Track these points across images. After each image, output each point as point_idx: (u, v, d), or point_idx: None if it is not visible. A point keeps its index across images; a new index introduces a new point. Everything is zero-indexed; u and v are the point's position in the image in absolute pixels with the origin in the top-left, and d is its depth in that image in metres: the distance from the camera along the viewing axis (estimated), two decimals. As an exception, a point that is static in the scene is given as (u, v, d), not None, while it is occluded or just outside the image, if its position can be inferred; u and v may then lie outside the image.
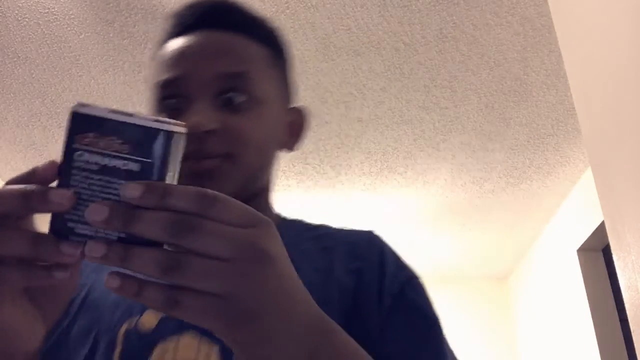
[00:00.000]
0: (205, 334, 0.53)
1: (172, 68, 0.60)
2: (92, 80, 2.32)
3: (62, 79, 2.31)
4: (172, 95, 0.60)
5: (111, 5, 1.95)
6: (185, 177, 0.57)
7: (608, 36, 1.21)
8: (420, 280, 0.64)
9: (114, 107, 0.37)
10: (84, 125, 0.35)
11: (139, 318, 0.56)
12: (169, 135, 0.35)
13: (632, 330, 1.15)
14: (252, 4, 2.09)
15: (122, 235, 0.33)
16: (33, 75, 2.30)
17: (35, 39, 2.11)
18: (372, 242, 0.66)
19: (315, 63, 2.17)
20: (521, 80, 2.26)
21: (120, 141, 0.34)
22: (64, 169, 0.34)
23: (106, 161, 0.34)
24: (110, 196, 0.34)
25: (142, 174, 0.34)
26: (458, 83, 2.28)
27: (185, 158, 0.56)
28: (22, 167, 2.95)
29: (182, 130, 0.35)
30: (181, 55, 0.61)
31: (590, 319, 2.85)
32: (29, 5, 1.97)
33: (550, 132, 2.57)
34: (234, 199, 0.35)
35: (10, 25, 2.05)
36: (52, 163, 0.35)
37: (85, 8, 1.97)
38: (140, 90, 2.36)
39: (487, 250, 3.90)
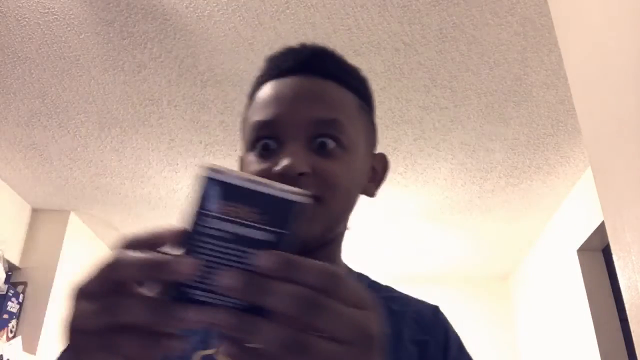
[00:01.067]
0: None
1: (268, 110, 0.63)
2: (92, 80, 2.32)
3: (62, 79, 2.31)
4: (266, 136, 0.63)
5: (111, 5, 1.95)
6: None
7: (608, 36, 1.21)
8: None
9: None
10: (216, 191, 0.34)
11: (217, 349, 0.57)
12: (302, 206, 0.34)
13: (632, 330, 1.15)
14: (252, 4, 2.09)
15: (241, 304, 0.34)
16: (33, 75, 2.30)
17: (35, 39, 2.11)
18: (438, 317, 0.68)
19: (315, 63, 2.17)
20: (521, 80, 2.26)
21: (252, 210, 0.34)
22: (191, 235, 0.34)
23: (237, 229, 0.34)
24: (237, 265, 0.34)
25: (274, 245, 0.34)
26: (458, 83, 2.28)
27: None
28: (22, 167, 2.95)
29: (309, 200, 0.36)
30: (278, 98, 0.64)
31: (590, 319, 2.85)
32: (29, 5, 1.96)
33: (550, 132, 2.57)
34: (350, 278, 0.36)
35: (10, 25, 2.05)
36: (180, 231, 0.35)
37: (85, 8, 1.97)
38: (140, 90, 2.36)
39: (488, 250, 3.90)
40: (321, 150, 0.61)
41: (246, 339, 0.33)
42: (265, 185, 0.34)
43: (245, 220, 0.34)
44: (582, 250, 3.00)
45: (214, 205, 0.34)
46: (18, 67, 2.25)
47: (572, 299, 3.09)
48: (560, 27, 1.48)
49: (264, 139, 0.63)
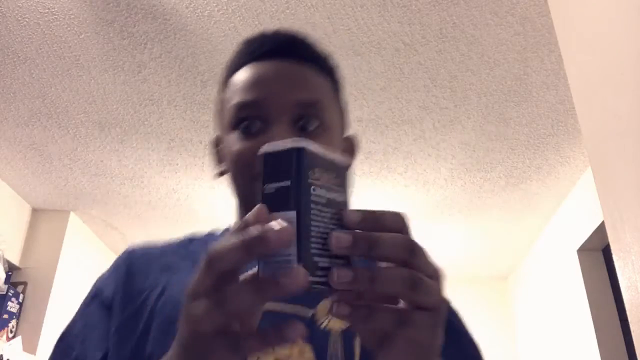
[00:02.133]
0: None
1: (251, 90, 0.65)
2: (92, 80, 2.32)
3: (62, 79, 2.31)
4: (250, 116, 0.64)
5: (111, 5, 1.95)
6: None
7: (608, 36, 1.21)
8: (456, 307, 0.73)
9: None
10: (311, 162, 0.38)
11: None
12: (348, 169, 0.42)
13: (632, 330, 1.15)
14: (252, 4, 2.09)
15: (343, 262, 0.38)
16: (33, 75, 2.30)
17: (35, 39, 2.11)
18: None
19: (315, 63, 2.17)
20: (521, 80, 2.26)
21: (333, 176, 0.39)
22: (301, 204, 0.36)
23: (329, 195, 0.38)
24: (334, 226, 0.38)
25: (345, 203, 0.40)
26: (458, 83, 2.28)
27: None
28: (22, 167, 2.95)
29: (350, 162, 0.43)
30: (262, 80, 0.66)
31: (590, 319, 2.85)
32: (29, 5, 1.96)
33: (550, 132, 2.57)
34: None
35: (10, 25, 2.05)
36: (286, 230, 0.35)
37: (85, 8, 1.97)
38: (140, 90, 2.36)
39: (487, 250, 3.90)
40: (304, 130, 0.64)
41: (378, 289, 0.36)
42: (331, 153, 0.40)
43: (332, 185, 0.39)
44: (582, 250, 3.00)
45: (313, 175, 0.38)
46: (18, 67, 2.25)
47: (572, 299, 3.09)
48: (560, 27, 1.48)
49: (248, 119, 0.64)
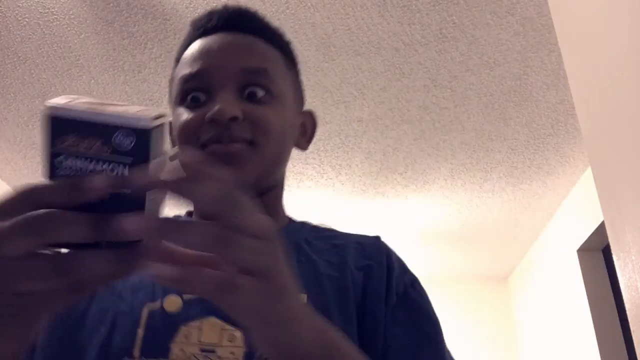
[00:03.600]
0: (228, 319, 0.55)
1: (196, 63, 0.65)
2: (92, 80, 2.32)
3: (62, 79, 2.31)
4: (195, 88, 0.64)
5: (111, 5, 1.95)
6: (212, 159, 0.60)
7: (608, 36, 1.21)
8: (421, 284, 0.69)
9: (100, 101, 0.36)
10: (62, 128, 0.33)
11: (163, 300, 0.57)
12: (143, 131, 0.33)
13: (632, 330, 1.15)
14: (252, 4, 2.09)
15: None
16: (33, 75, 2.30)
17: (35, 39, 2.11)
18: (380, 245, 0.71)
19: (315, 63, 2.17)
20: (521, 80, 2.26)
21: (101, 141, 0.33)
22: (47, 176, 0.33)
23: (91, 166, 0.33)
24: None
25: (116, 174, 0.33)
26: (458, 83, 2.28)
27: (211, 142, 0.59)
28: (22, 167, 2.95)
29: (163, 121, 0.35)
30: (205, 51, 0.65)
31: (590, 319, 2.85)
32: (29, 5, 1.96)
33: (550, 132, 2.57)
34: (254, 208, 0.37)
35: (10, 25, 2.05)
36: (34, 187, 0.33)
37: (85, 8, 1.97)
38: (140, 90, 2.36)
39: (487, 250, 3.90)
40: (251, 98, 0.63)
41: (176, 240, 0.33)
42: (108, 113, 0.33)
43: (98, 154, 0.33)
44: (582, 250, 3.00)
45: (64, 142, 0.33)
46: (18, 67, 2.25)
47: (572, 299, 3.09)
48: (560, 27, 1.48)
49: (193, 91, 0.64)
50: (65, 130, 0.33)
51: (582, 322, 2.95)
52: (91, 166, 0.33)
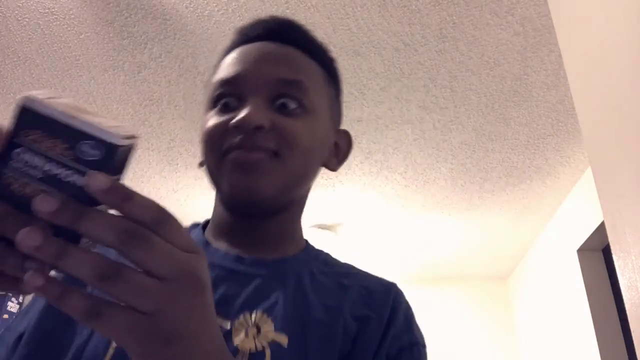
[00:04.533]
0: None
1: (232, 68, 0.63)
2: (92, 80, 2.32)
3: (62, 79, 2.31)
4: (227, 93, 0.62)
5: (111, 5, 1.95)
6: (232, 166, 0.58)
7: (608, 36, 1.21)
8: (423, 350, 0.63)
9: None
10: (31, 121, 0.32)
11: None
12: (113, 146, 0.32)
13: (632, 330, 1.15)
14: (252, 4, 2.08)
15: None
16: (33, 75, 2.30)
17: (35, 39, 2.11)
18: (388, 295, 0.65)
19: (315, 63, 2.17)
20: (521, 80, 2.26)
21: (65, 146, 0.32)
22: (2, 166, 0.32)
23: (48, 166, 0.32)
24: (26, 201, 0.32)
25: (69, 185, 0.32)
26: (458, 83, 2.28)
27: (233, 148, 0.57)
28: (22, 167, 2.95)
29: (133, 142, 0.34)
30: (242, 58, 0.64)
31: (590, 319, 2.85)
32: (29, 5, 1.97)
33: (550, 132, 2.57)
34: (180, 223, 0.35)
35: (10, 25, 2.05)
36: None
37: (85, 8, 1.97)
38: (140, 90, 2.36)
39: (487, 250, 3.90)
40: (282, 109, 0.61)
41: (55, 263, 0.31)
42: (84, 121, 0.32)
43: (60, 157, 0.32)
44: (582, 250, 3.00)
45: (29, 135, 0.32)
46: (18, 67, 2.25)
47: (572, 299, 3.09)
48: (560, 27, 1.48)
49: (225, 97, 0.62)
50: (32, 124, 0.32)
51: (582, 322, 2.95)
52: (47, 166, 0.32)
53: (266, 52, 0.64)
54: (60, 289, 0.31)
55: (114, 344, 0.53)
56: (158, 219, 0.33)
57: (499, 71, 2.21)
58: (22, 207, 0.32)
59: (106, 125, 0.32)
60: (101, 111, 2.50)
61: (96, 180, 0.31)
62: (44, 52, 2.17)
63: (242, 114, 0.57)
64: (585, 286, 2.93)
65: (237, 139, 0.58)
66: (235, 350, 0.54)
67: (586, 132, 1.33)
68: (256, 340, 0.55)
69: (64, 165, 0.32)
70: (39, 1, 1.95)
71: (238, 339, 0.55)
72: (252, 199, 0.59)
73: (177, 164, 2.89)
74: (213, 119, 0.61)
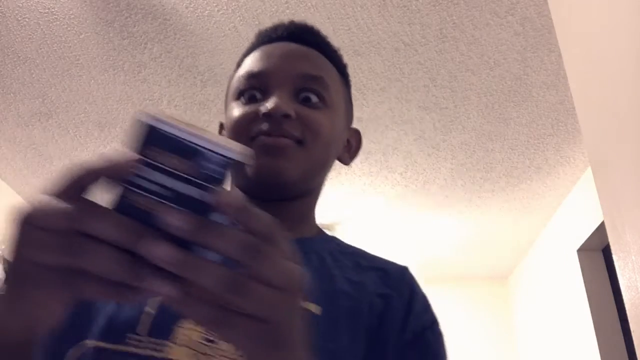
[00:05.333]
0: None
1: (258, 63, 0.68)
2: (92, 80, 2.32)
3: (62, 79, 2.31)
4: (253, 86, 0.67)
5: (111, 5, 1.95)
6: (260, 149, 0.62)
7: (608, 36, 1.21)
8: (441, 328, 0.66)
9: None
10: (155, 139, 0.33)
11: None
12: (234, 162, 0.33)
13: (632, 330, 1.15)
14: (252, 4, 2.08)
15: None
16: (33, 75, 2.30)
17: (35, 39, 2.11)
18: (404, 276, 0.69)
19: (315, 63, 2.17)
20: (521, 80, 2.26)
21: (188, 162, 0.33)
22: (128, 182, 0.34)
23: (171, 182, 0.33)
24: (149, 218, 0.33)
25: (207, 199, 0.33)
26: (458, 83, 2.28)
27: (261, 134, 0.61)
28: (22, 167, 2.95)
29: (246, 156, 0.35)
30: (268, 54, 0.69)
31: (590, 319, 2.85)
32: (29, 5, 1.96)
33: (550, 132, 2.57)
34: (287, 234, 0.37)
35: (10, 25, 2.05)
36: (124, 163, 0.33)
37: (85, 8, 1.97)
38: (140, 90, 2.36)
39: (487, 250, 3.90)
40: (305, 102, 0.66)
41: (186, 274, 0.33)
42: (204, 138, 0.33)
43: (182, 173, 0.33)
44: (582, 250, 3.00)
45: (152, 152, 0.33)
46: (18, 67, 2.25)
47: (572, 299, 3.09)
48: (560, 27, 1.48)
49: (251, 89, 0.66)
50: (156, 142, 0.33)
51: (582, 322, 2.95)
52: (172, 183, 0.33)
53: (290, 50, 0.69)
54: (189, 297, 0.33)
55: (148, 313, 0.55)
56: (273, 233, 0.35)
57: (499, 71, 2.21)
58: (146, 222, 0.33)
59: (224, 142, 0.34)
60: (101, 111, 2.50)
61: (227, 198, 0.33)
62: (44, 52, 2.17)
63: (271, 103, 0.62)
64: (585, 286, 2.93)
65: (265, 125, 0.63)
66: None
67: (586, 132, 1.33)
68: None
69: (187, 181, 0.33)
70: (39, 1, 1.95)
71: None
72: (278, 180, 0.63)
73: (177, 164, 2.89)
74: (240, 109, 0.66)
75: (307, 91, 0.66)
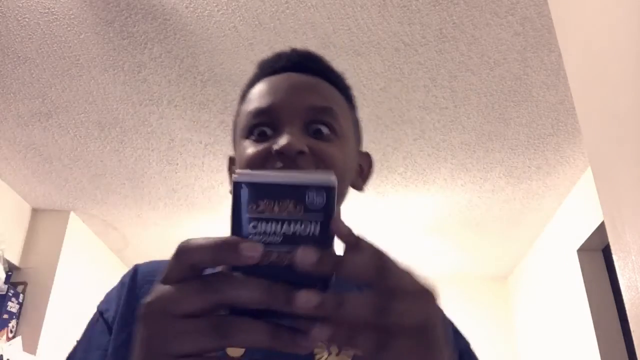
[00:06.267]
0: None
1: (265, 98, 0.66)
2: (92, 80, 2.32)
3: (62, 79, 2.31)
4: (263, 123, 0.65)
5: (111, 5, 1.95)
6: None
7: (608, 36, 1.21)
8: (475, 348, 0.69)
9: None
10: (254, 194, 0.34)
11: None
12: (332, 189, 0.34)
13: (632, 331, 1.15)
14: (252, 4, 2.08)
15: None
16: (33, 75, 2.30)
17: (35, 39, 2.11)
18: (446, 322, 0.71)
19: (315, 63, 2.17)
20: (521, 80, 2.26)
21: (292, 203, 0.34)
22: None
23: (284, 228, 0.33)
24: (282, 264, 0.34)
25: (322, 232, 0.34)
26: (458, 83, 2.28)
27: None
28: (22, 167, 2.95)
29: (336, 181, 0.36)
30: (275, 88, 0.67)
31: (590, 319, 2.85)
32: (29, 5, 1.96)
33: (550, 132, 2.57)
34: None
35: (10, 25, 2.05)
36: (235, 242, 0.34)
37: (85, 8, 1.97)
38: (140, 90, 2.36)
39: (487, 250, 3.90)
40: (316, 135, 0.65)
41: (334, 314, 0.33)
42: (295, 176, 0.34)
43: (290, 215, 0.34)
44: (582, 250, 3.00)
45: (257, 208, 0.34)
46: (18, 67, 2.25)
47: (572, 299, 3.09)
48: (560, 27, 1.48)
49: (261, 126, 0.65)
50: (257, 196, 0.34)
51: (582, 322, 2.95)
52: (283, 228, 0.33)
53: (296, 82, 0.68)
54: (348, 333, 0.34)
55: None
56: (382, 250, 0.36)
57: (499, 71, 2.21)
58: (270, 276, 0.34)
59: (310, 173, 0.35)
60: (101, 111, 2.50)
61: (341, 225, 0.34)
62: (44, 52, 2.17)
63: (284, 140, 0.60)
64: (585, 286, 2.93)
65: (280, 164, 0.62)
66: None
67: (586, 132, 1.33)
68: (339, 357, 0.59)
69: (297, 221, 0.33)
70: (39, 1, 1.95)
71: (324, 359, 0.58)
72: None
73: (177, 164, 2.89)
74: (252, 147, 0.65)
75: (317, 123, 0.65)
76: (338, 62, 2.17)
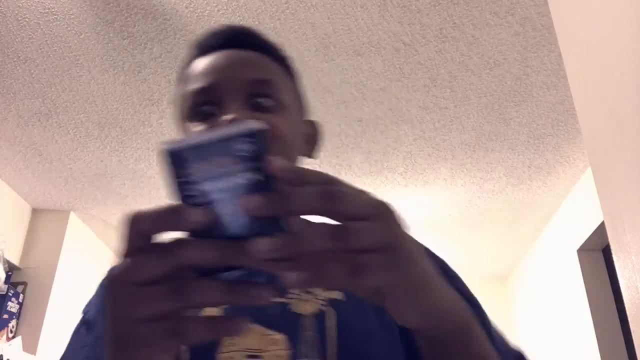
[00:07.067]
0: (266, 324, 0.57)
1: (205, 77, 0.67)
2: (92, 80, 2.32)
3: (62, 79, 2.31)
4: (206, 101, 0.65)
5: (111, 5, 1.95)
6: None
7: (608, 36, 1.21)
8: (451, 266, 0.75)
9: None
10: (183, 159, 0.34)
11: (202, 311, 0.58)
12: (256, 133, 0.33)
13: (632, 331, 1.15)
14: (252, 4, 2.08)
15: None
16: (33, 75, 2.30)
17: (35, 39, 2.11)
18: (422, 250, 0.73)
19: (315, 63, 2.17)
20: (521, 80, 2.26)
21: (223, 157, 0.33)
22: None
23: (223, 184, 0.33)
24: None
25: (263, 178, 0.33)
26: (458, 83, 2.28)
27: None
28: (22, 167, 2.95)
29: (266, 125, 0.35)
30: (213, 66, 0.68)
31: (590, 319, 2.85)
32: (29, 5, 1.96)
33: (550, 132, 2.57)
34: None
35: (10, 25, 2.05)
36: (176, 207, 0.35)
37: (85, 8, 1.97)
38: (140, 90, 2.36)
39: (487, 250, 3.90)
40: (259, 107, 0.65)
41: (297, 247, 0.33)
42: (219, 132, 0.33)
43: (225, 170, 0.33)
44: (582, 250, 3.00)
45: (189, 170, 0.34)
46: (18, 67, 2.25)
47: (572, 299, 3.09)
48: (560, 27, 1.48)
49: (203, 105, 0.65)
50: (185, 161, 0.34)
51: (582, 322, 2.95)
52: (221, 184, 0.33)
53: (234, 58, 0.68)
54: (319, 265, 0.34)
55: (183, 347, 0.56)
56: (333, 177, 0.36)
57: (499, 71, 2.21)
58: (229, 237, 0.34)
59: (235, 126, 0.34)
60: (101, 111, 2.50)
61: (277, 164, 0.33)
62: (44, 52, 2.17)
63: (228, 117, 0.61)
64: (585, 286, 2.93)
65: None
66: (299, 317, 0.58)
67: (586, 132, 1.33)
68: (312, 302, 0.60)
69: (235, 174, 0.33)
70: (39, 1, 1.95)
71: (297, 307, 0.59)
72: None
73: (177, 164, 2.89)
74: (197, 127, 0.65)
75: (258, 96, 0.65)
76: (338, 62, 2.17)
